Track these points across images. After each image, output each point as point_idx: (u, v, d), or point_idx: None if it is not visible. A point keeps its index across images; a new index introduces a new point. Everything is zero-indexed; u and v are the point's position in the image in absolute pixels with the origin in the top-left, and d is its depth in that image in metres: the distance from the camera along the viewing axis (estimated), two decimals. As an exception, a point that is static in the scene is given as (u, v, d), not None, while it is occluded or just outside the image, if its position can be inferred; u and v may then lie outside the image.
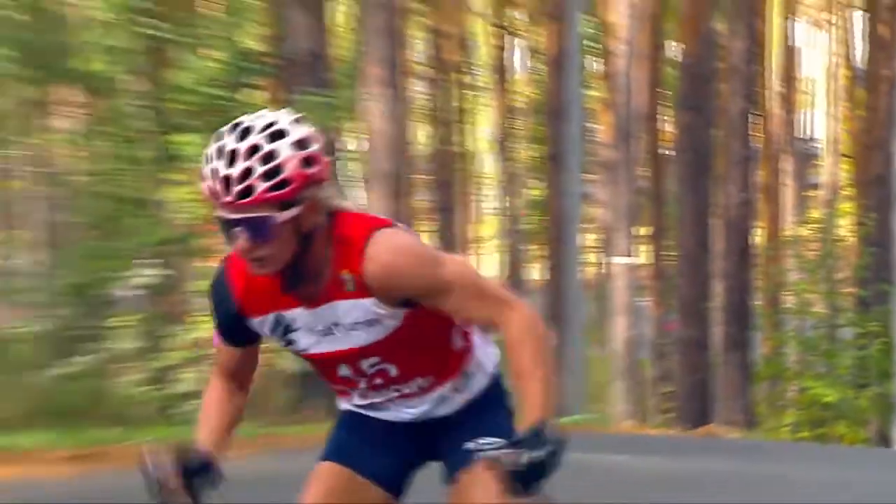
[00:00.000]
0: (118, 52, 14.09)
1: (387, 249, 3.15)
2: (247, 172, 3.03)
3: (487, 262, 23.29)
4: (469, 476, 3.29)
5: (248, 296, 3.26)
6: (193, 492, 3.27)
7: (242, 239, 3.07)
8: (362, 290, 3.17)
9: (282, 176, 3.04)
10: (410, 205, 19.07)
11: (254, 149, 3.04)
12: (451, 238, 21.99)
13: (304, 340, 3.30)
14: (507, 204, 22.72)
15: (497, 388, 3.48)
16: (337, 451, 3.48)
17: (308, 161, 3.08)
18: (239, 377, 3.43)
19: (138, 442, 10.80)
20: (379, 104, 16.55)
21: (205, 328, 14.71)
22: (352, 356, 3.29)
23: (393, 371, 3.33)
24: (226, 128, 3.09)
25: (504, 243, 22.82)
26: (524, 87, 23.40)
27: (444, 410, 3.43)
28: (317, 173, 3.10)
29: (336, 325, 3.24)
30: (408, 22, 19.82)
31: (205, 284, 16.65)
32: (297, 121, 3.13)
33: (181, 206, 14.55)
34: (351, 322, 3.22)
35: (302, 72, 15.80)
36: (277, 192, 3.04)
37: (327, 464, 3.47)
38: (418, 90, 21.89)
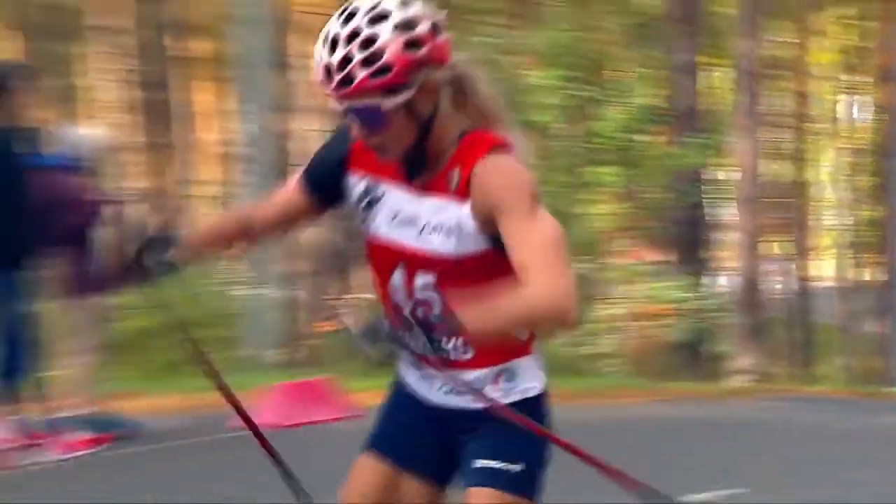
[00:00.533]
0: (555, 108, 14.72)
1: (508, 158, 2.30)
2: (346, 60, 2.21)
3: (826, 266, 22.53)
4: (473, 496, 2.41)
5: (363, 151, 2.39)
6: (145, 265, 2.52)
7: (356, 127, 2.29)
8: (462, 191, 2.30)
9: (382, 61, 2.20)
10: (766, 220, 18.77)
11: (353, 34, 2.21)
12: (797, 246, 21.46)
13: (381, 220, 2.41)
14: (844, 221, 21.91)
15: (537, 411, 2.46)
16: (380, 440, 2.58)
17: (413, 43, 2.21)
18: (270, 220, 2.56)
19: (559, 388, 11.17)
20: (744, 145, 16.50)
21: (616, 308, 15.12)
22: (414, 259, 2.36)
23: (437, 307, 2.37)
24: (336, 13, 2.27)
25: (840, 251, 22.02)
26: (860, 132, 22.47)
27: (475, 402, 2.43)
28: (425, 55, 2.23)
29: (419, 219, 2.36)
30: (767, 83, 19.50)
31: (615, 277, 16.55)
32: (404, 2, 2.25)
33: (598, 218, 15.01)
34: (436, 222, 2.33)
35: (685, 120, 16.06)
36: (379, 79, 2.20)
37: (370, 460, 2.56)
38: (775, 135, 21.48)
